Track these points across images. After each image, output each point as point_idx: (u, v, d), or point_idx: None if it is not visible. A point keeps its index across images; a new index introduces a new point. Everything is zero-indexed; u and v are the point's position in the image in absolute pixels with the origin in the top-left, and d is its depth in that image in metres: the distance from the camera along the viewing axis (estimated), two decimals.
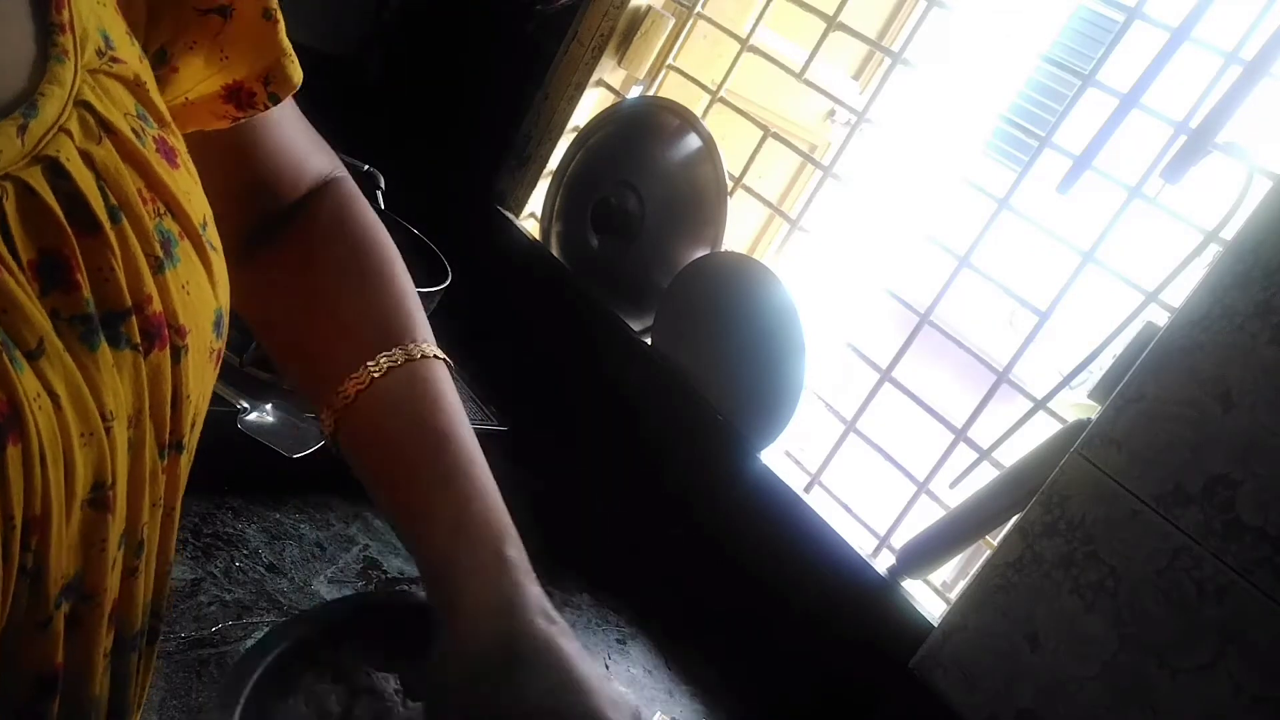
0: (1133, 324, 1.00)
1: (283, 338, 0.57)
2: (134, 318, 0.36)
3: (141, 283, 0.36)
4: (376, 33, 1.63)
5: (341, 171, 0.60)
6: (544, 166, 1.50)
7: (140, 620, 0.41)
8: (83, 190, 0.34)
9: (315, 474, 0.95)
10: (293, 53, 0.50)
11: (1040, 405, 1.05)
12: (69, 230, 0.33)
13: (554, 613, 0.48)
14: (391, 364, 0.51)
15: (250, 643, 0.81)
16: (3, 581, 0.31)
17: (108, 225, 0.35)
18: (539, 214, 1.51)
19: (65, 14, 0.35)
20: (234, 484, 0.97)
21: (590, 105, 1.49)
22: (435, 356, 0.53)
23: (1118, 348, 0.95)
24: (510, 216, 1.52)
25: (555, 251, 1.46)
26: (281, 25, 0.48)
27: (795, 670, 1.10)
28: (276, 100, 0.50)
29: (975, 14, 1.25)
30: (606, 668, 1.02)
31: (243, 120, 0.50)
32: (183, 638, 0.78)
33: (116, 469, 0.35)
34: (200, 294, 0.40)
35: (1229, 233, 0.93)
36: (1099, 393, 0.93)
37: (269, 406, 0.95)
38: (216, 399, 0.92)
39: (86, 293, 0.34)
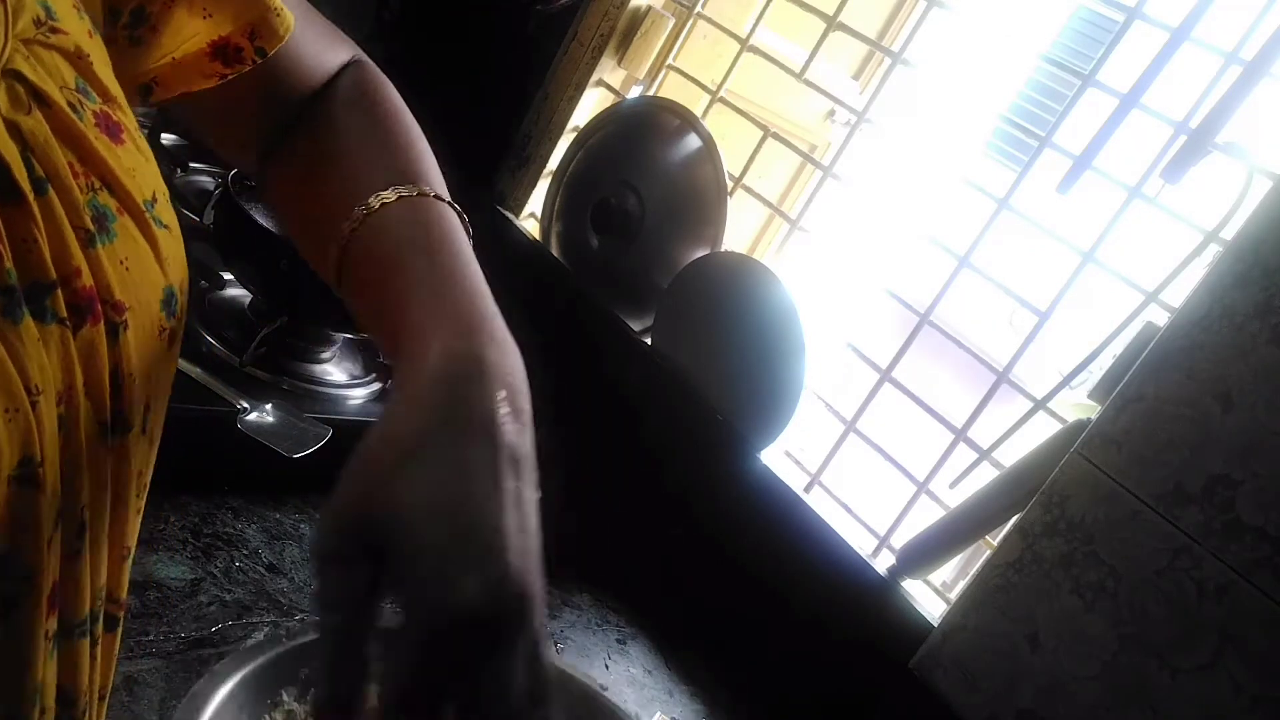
0: (1133, 324, 1.00)
1: (301, 209, 0.54)
2: (59, 291, 0.35)
3: (69, 255, 0.35)
4: (376, 33, 1.63)
5: (362, 57, 0.59)
6: (544, 166, 1.50)
7: (88, 604, 0.40)
8: (6, 160, 0.33)
9: (315, 474, 0.95)
10: (280, 5, 0.49)
11: (1040, 405, 1.05)
12: None
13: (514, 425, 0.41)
14: (399, 196, 0.47)
15: (250, 642, 0.81)
16: None
17: (31, 196, 0.34)
18: (539, 214, 1.51)
19: None
20: (234, 484, 0.97)
21: (590, 105, 1.49)
22: (446, 202, 0.50)
23: (1118, 348, 0.95)
24: (510, 216, 1.52)
25: (555, 251, 1.46)
26: None
27: (795, 670, 1.10)
28: (264, 55, 0.49)
29: (975, 14, 1.25)
30: (606, 668, 1.02)
31: (231, 77, 0.49)
32: (183, 638, 0.78)
33: (44, 446, 0.34)
34: (144, 271, 0.39)
35: (1229, 233, 0.93)
36: (1099, 393, 0.93)
37: (269, 406, 0.95)
38: (217, 399, 0.92)
39: (9, 263, 0.33)
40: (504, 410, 0.40)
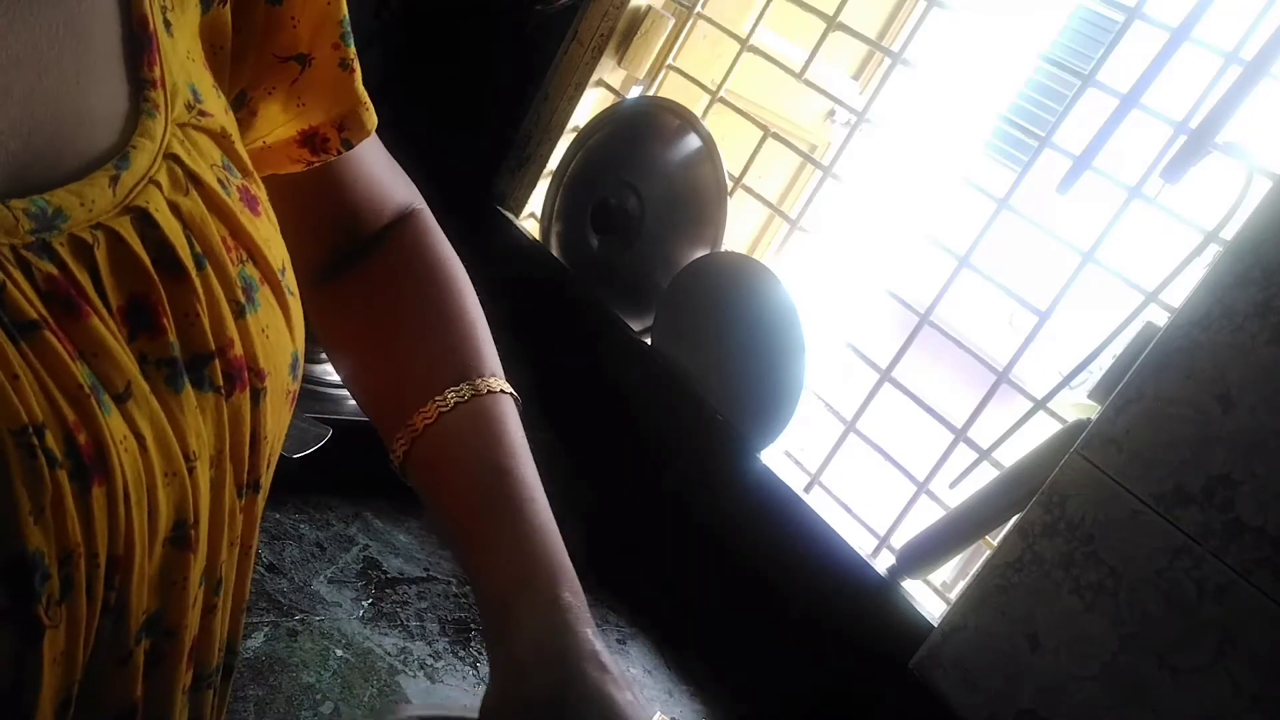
0: (1133, 324, 1.00)
1: (354, 365, 0.58)
2: (217, 361, 0.37)
3: (224, 327, 0.37)
4: (376, 33, 1.63)
5: (420, 204, 0.61)
6: (544, 166, 1.50)
7: (217, 656, 0.42)
8: (170, 239, 0.35)
9: (315, 474, 0.95)
10: (369, 101, 0.51)
11: (1040, 405, 1.05)
12: (155, 277, 0.35)
13: (608, 659, 0.48)
14: (459, 399, 0.52)
15: (250, 643, 0.81)
16: (87, 619, 0.32)
17: (193, 272, 0.36)
18: (539, 214, 1.51)
19: (157, 70, 0.36)
20: None
21: (590, 105, 1.49)
22: (503, 391, 0.54)
23: (1118, 348, 0.95)
24: (510, 216, 1.52)
25: (555, 251, 1.46)
26: (358, 75, 0.50)
27: (795, 670, 1.10)
28: (349, 146, 0.51)
29: (975, 14, 1.25)
30: None
31: (316, 164, 0.51)
32: None
33: (199, 508, 0.36)
34: (278, 337, 0.41)
35: (1229, 233, 0.93)
36: (1099, 393, 0.93)
37: None
38: None
39: (172, 336, 0.35)
40: (594, 642, 0.47)
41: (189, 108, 0.38)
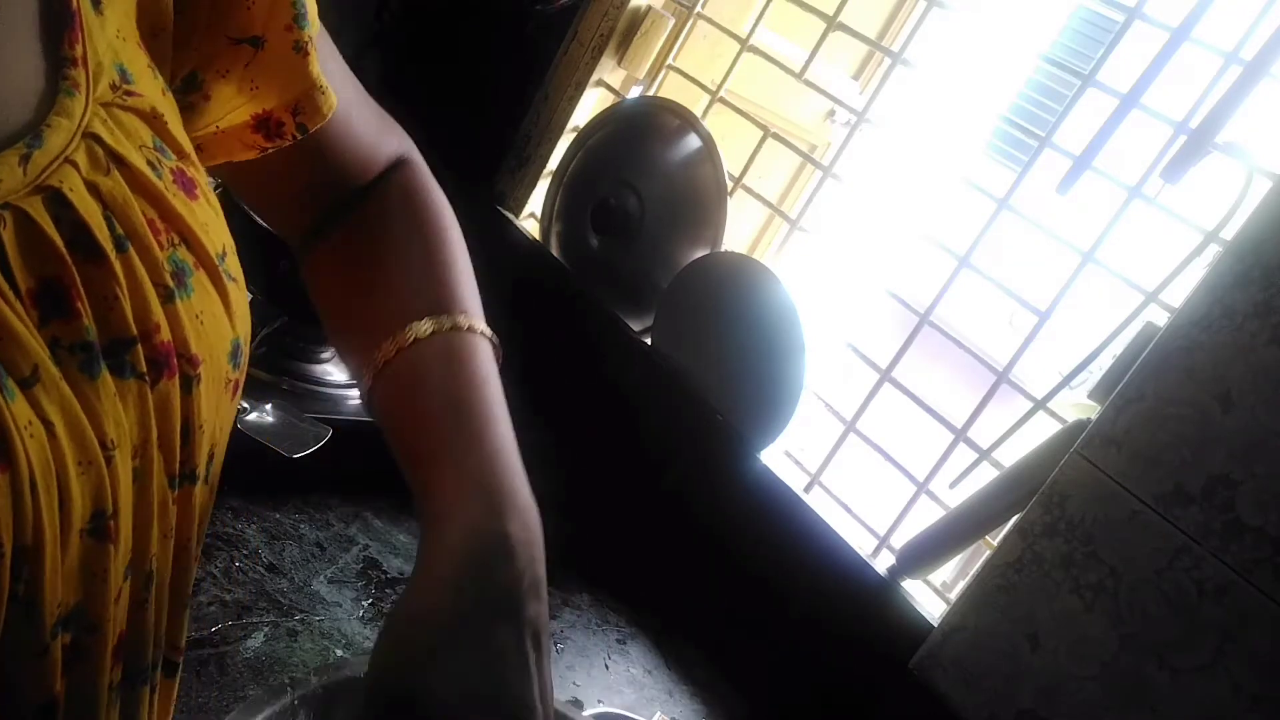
0: (1133, 324, 1.00)
1: (337, 307, 0.56)
2: (140, 346, 0.36)
3: (149, 311, 0.36)
4: (377, 34, 1.63)
5: (412, 153, 0.60)
6: (544, 166, 1.50)
7: (151, 652, 0.41)
8: (86, 220, 0.34)
9: (315, 474, 0.95)
10: (326, 84, 0.50)
11: (1040, 405, 1.05)
12: (69, 259, 0.33)
13: (538, 607, 0.44)
14: (436, 329, 0.50)
15: (250, 642, 0.81)
16: None
17: (113, 254, 0.35)
18: (539, 214, 1.51)
19: (79, 49, 0.35)
20: (234, 484, 0.97)
21: (590, 105, 1.49)
22: (480, 332, 0.52)
23: (1118, 348, 0.95)
24: (510, 216, 1.52)
25: (555, 251, 1.46)
26: (313, 58, 0.49)
27: (795, 670, 1.10)
28: (305, 131, 0.50)
29: (975, 14, 1.25)
30: (606, 668, 1.02)
31: (270, 150, 0.50)
32: None
33: (119, 498, 0.35)
34: (215, 324, 0.40)
35: (1229, 233, 0.93)
36: (1099, 393, 0.93)
37: (269, 406, 0.95)
38: None
39: (88, 320, 0.34)
40: (527, 586, 0.44)
41: (114, 87, 0.37)
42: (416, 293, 0.52)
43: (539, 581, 0.45)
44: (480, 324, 0.52)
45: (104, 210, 0.35)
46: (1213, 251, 0.96)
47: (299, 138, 0.50)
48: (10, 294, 0.32)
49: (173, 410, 0.38)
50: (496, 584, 0.43)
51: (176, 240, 0.38)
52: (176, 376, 0.37)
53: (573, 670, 0.99)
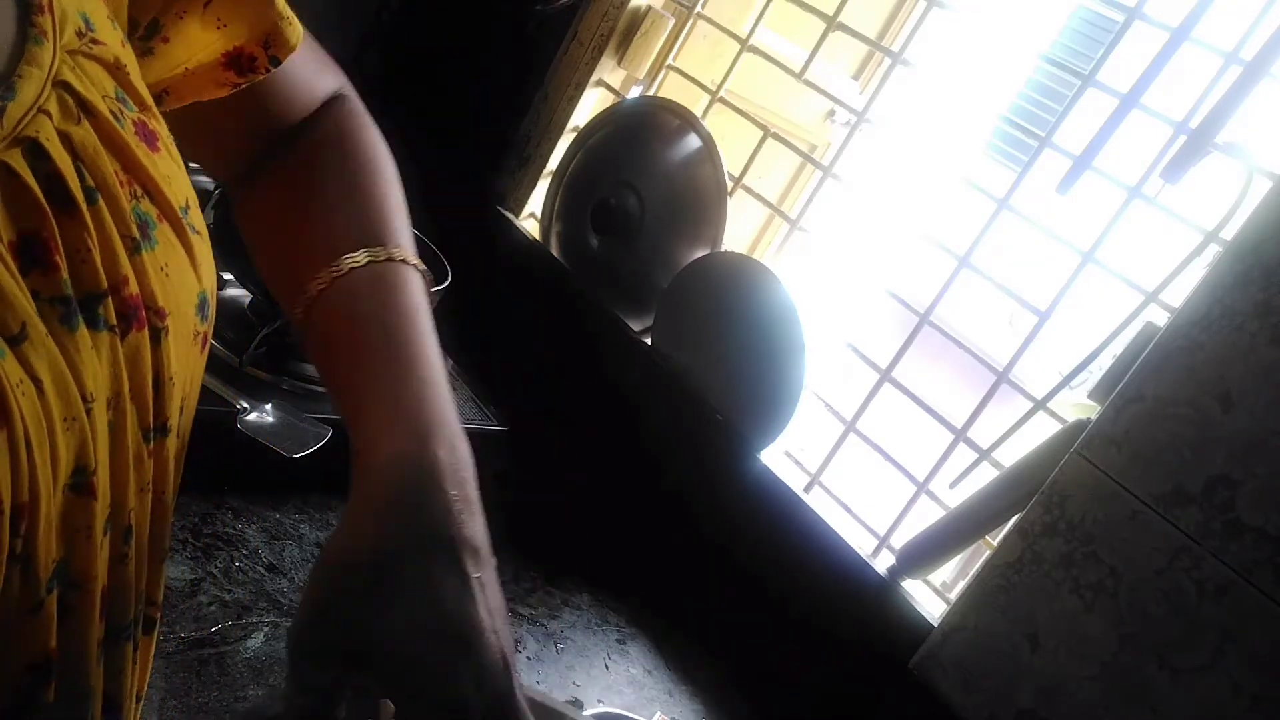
0: (1133, 324, 0.99)
1: (272, 243, 0.56)
2: (110, 299, 0.35)
3: (118, 264, 0.36)
4: (376, 33, 1.63)
5: (348, 89, 0.60)
6: (544, 166, 1.50)
7: (133, 608, 0.41)
8: (61, 170, 0.34)
9: (315, 474, 0.95)
10: (290, 14, 0.50)
11: (1040, 405, 1.05)
12: (49, 211, 0.33)
13: (470, 526, 0.43)
14: (356, 265, 0.49)
15: (250, 642, 0.81)
16: None
17: (84, 206, 0.34)
18: (539, 214, 1.51)
19: None
20: (234, 484, 0.97)
21: (590, 105, 1.49)
22: (409, 263, 0.52)
23: (1118, 348, 0.95)
24: (510, 216, 1.52)
25: (555, 251, 1.46)
26: None
27: (795, 670, 1.10)
28: (277, 63, 0.50)
29: (975, 14, 1.25)
30: (606, 668, 1.02)
31: (243, 86, 0.50)
32: (182, 638, 0.78)
33: (98, 453, 0.35)
34: (181, 277, 0.40)
35: (1229, 233, 0.93)
36: (1099, 393, 0.93)
37: (269, 406, 0.94)
38: (217, 399, 0.92)
39: (65, 274, 0.33)
40: (457, 507, 0.42)
41: (80, 35, 0.36)
42: (349, 226, 0.52)
43: (471, 501, 0.43)
44: (413, 257, 0.52)
45: (74, 161, 0.35)
46: (1213, 251, 0.96)
47: (271, 70, 0.50)
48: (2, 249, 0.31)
49: (144, 363, 0.37)
50: (425, 509, 0.42)
51: (140, 192, 0.38)
52: (145, 329, 0.37)
53: (573, 670, 0.99)
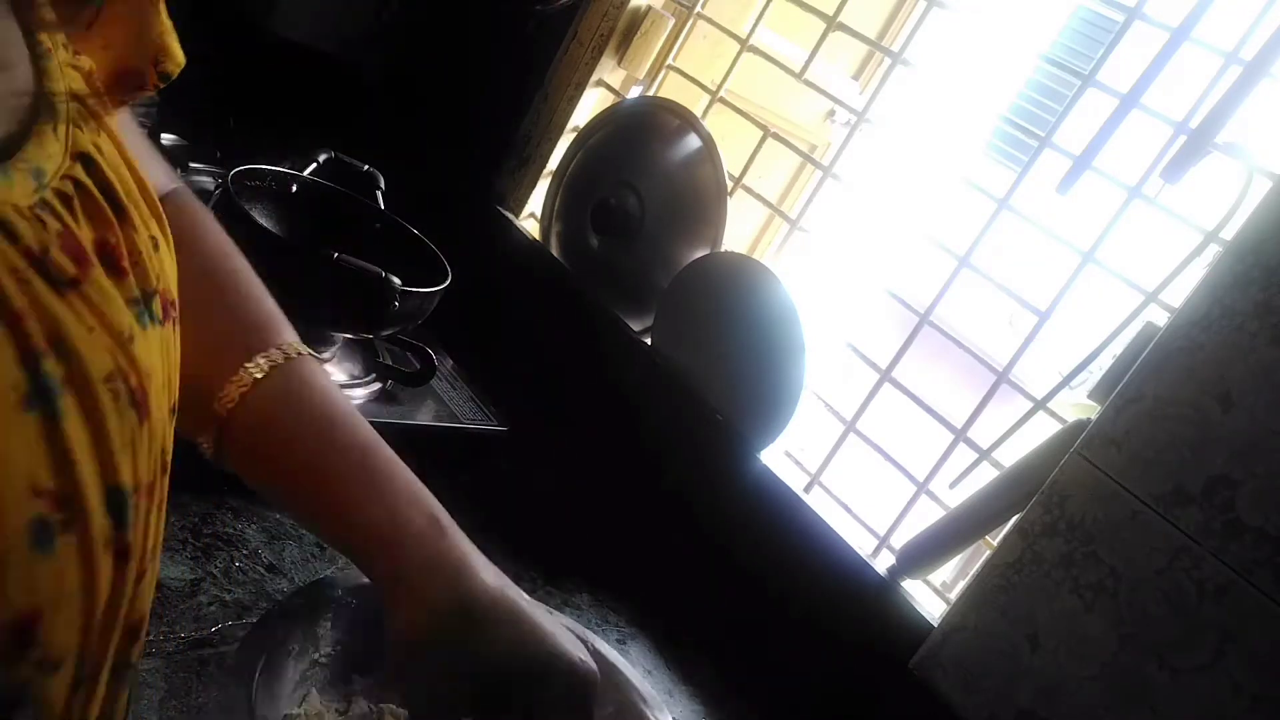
0: (1133, 324, 1.00)
1: None
2: (158, 295, 0.37)
3: (154, 261, 0.38)
4: (376, 33, 1.63)
5: (180, 184, 0.59)
6: (544, 166, 1.50)
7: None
8: (111, 180, 0.35)
9: None
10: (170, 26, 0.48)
11: (1040, 405, 1.05)
12: (114, 220, 0.35)
13: (497, 570, 0.48)
14: (272, 363, 0.49)
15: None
16: (140, 549, 0.35)
17: (131, 210, 0.36)
18: (539, 214, 1.51)
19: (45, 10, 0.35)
20: (234, 484, 0.96)
21: (590, 105, 1.49)
22: (309, 355, 0.52)
23: (1118, 348, 0.95)
24: (510, 216, 1.52)
25: (555, 251, 1.46)
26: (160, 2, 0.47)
27: (795, 670, 1.10)
28: (168, 79, 0.47)
29: (975, 14, 1.25)
30: None
31: (127, 104, 0.48)
32: (183, 638, 0.78)
33: (168, 439, 0.39)
34: (174, 268, 0.42)
35: (1229, 233, 0.93)
36: (1099, 393, 0.93)
37: None
38: None
39: (131, 276, 0.35)
40: (502, 651, 0.48)
41: (65, 46, 0.37)
42: (237, 330, 0.51)
43: (519, 642, 0.49)
44: (300, 345, 0.52)
45: (111, 169, 0.36)
46: (1213, 251, 0.96)
47: (160, 86, 0.47)
48: (95, 261, 0.33)
49: (174, 351, 0.40)
50: (480, 658, 0.48)
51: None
52: (170, 320, 0.39)
53: None
